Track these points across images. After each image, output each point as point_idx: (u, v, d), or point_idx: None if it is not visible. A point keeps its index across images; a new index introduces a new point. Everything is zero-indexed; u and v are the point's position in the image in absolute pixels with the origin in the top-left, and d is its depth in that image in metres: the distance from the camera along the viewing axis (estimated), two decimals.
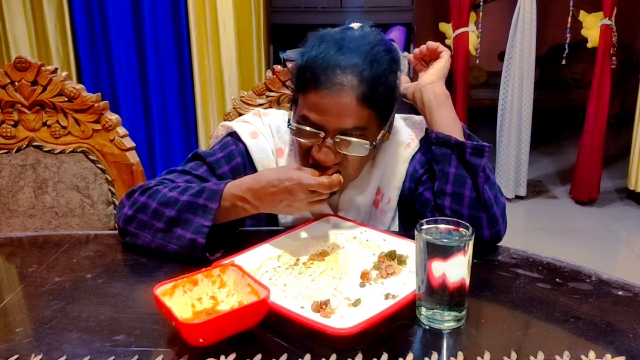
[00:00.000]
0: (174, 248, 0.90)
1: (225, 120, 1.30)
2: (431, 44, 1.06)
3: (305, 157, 0.98)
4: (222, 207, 0.90)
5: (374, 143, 0.97)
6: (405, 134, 1.09)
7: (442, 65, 1.04)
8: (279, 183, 0.89)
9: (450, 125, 0.99)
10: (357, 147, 0.94)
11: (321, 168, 0.95)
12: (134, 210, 0.94)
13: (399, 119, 1.11)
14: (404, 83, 1.07)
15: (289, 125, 0.99)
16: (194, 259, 0.89)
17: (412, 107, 1.09)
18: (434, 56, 1.07)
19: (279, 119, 1.12)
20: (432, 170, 1.01)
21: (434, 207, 0.98)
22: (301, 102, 0.96)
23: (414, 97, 1.05)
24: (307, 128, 0.94)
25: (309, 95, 0.93)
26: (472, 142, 0.96)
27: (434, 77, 1.03)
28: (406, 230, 1.08)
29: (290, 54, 3.79)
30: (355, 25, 1.01)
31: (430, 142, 1.00)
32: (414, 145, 1.07)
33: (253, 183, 0.91)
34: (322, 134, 0.94)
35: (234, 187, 0.92)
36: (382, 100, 0.96)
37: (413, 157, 1.07)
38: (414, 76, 1.11)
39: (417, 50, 1.08)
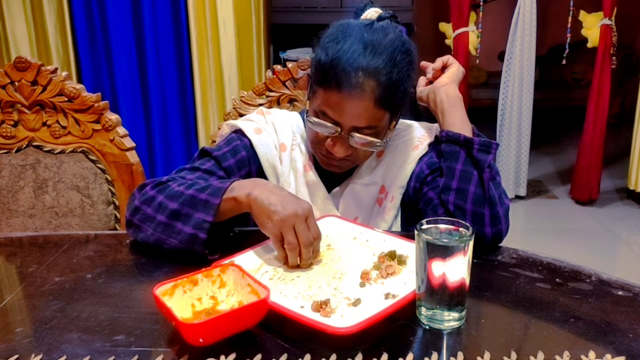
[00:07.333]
0: (174, 242, 0.90)
1: (225, 120, 1.30)
2: (440, 60, 1.11)
3: (318, 145, 1.03)
4: (224, 202, 0.90)
5: (385, 140, 1.02)
6: (415, 136, 1.11)
7: (455, 69, 1.09)
8: (284, 207, 0.85)
9: (461, 125, 1.02)
10: (369, 144, 1.00)
11: (332, 158, 1.02)
12: (141, 202, 0.95)
13: (410, 123, 1.13)
14: (421, 87, 1.12)
15: (306, 116, 1.02)
16: (193, 256, 0.88)
17: (425, 111, 1.11)
18: (446, 67, 1.12)
19: (282, 117, 1.14)
20: (439, 173, 1.03)
21: (439, 203, 0.99)
22: (321, 96, 0.98)
23: (428, 98, 1.09)
24: (324, 123, 0.98)
25: (330, 93, 0.96)
26: (480, 139, 0.99)
27: (448, 79, 1.07)
28: (408, 229, 1.09)
29: (290, 53, 3.80)
30: (373, 12, 1.03)
31: (440, 140, 1.03)
32: (422, 147, 1.09)
33: (263, 184, 0.90)
34: (338, 129, 0.98)
35: (239, 183, 0.92)
36: (396, 103, 1.00)
37: (421, 158, 1.08)
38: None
39: (429, 69, 1.12)
